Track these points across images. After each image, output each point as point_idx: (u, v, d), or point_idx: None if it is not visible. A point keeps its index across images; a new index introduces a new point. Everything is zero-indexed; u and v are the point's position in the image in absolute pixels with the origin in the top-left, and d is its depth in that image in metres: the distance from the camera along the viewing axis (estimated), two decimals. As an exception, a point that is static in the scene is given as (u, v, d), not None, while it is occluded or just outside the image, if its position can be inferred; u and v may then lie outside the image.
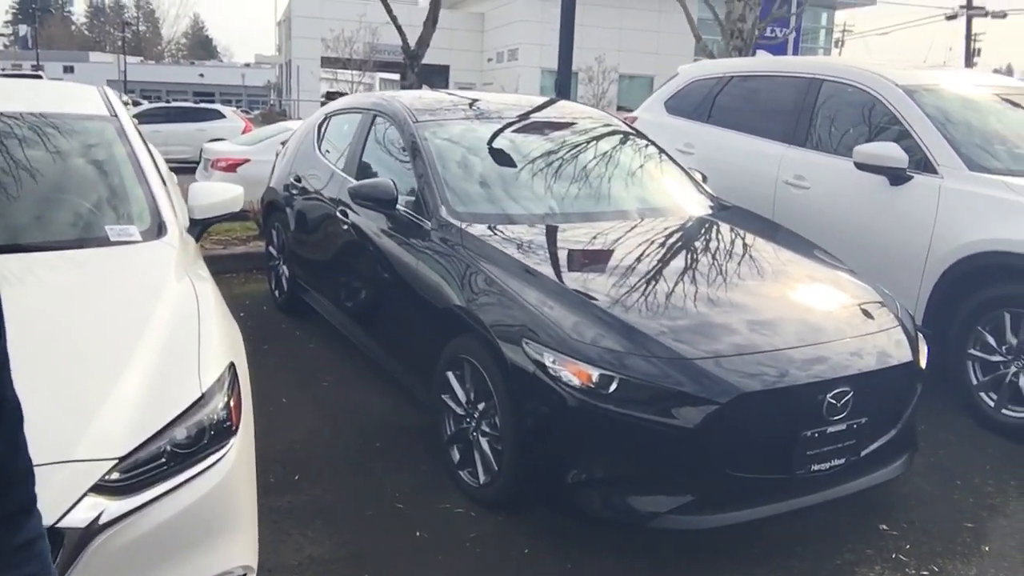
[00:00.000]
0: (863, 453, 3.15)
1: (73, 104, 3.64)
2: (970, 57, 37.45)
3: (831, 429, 2.99)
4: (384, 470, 3.68)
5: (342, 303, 4.76)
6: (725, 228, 4.06)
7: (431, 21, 12.78)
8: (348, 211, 4.53)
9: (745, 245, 3.86)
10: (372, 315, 4.40)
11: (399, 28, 12.81)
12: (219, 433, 2.24)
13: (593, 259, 3.53)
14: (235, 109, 25.56)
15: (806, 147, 5.43)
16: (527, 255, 3.50)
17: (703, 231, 4.01)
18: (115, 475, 1.99)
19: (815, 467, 3.01)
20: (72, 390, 2.09)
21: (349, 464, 3.73)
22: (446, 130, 4.40)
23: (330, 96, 42.73)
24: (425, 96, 5.24)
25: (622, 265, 3.46)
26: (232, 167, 10.99)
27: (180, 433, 2.15)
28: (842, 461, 3.07)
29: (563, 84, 8.09)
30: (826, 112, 5.40)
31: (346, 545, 3.09)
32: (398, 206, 4.03)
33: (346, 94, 36.22)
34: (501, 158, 4.31)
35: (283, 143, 11.98)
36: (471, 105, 5.00)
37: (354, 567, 2.96)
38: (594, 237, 3.73)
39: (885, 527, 3.35)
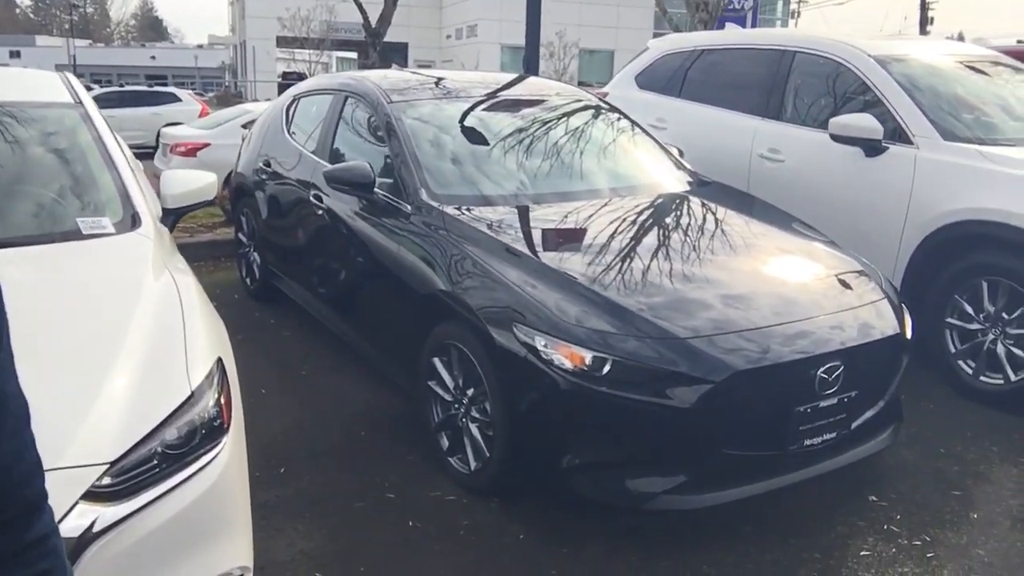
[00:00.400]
0: (853, 426, 3.16)
1: (34, 91, 3.50)
2: (924, 25, 37.87)
3: (823, 404, 2.99)
4: (370, 460, 3.62)
5: (318, 290, 4.66)
6: (709, 204, 4.03)
7: (392, -2, 12.59)
8: (322, 195, 4.43)
9: (729, 221, 3.83)
10: (351, 302, 4.32)
11: (359, 5, 12.58)
12: (210, 432, 2.17)
13: (579, 239, 3.48)
14: (191, 92, 25.03)
15: (780, 120, 5.42)
16: (511, 236, 3.44)
17: (687, 208, 3.97)
18: (106, 480, 1.92)
19: (807, 442, 3.01)
20: (57, 394, 2.00)
21: (334, 455, 3.66)
22: (421, 110, 4.32)
23: (287, 76, 42.06)
24: (395, 75, 5.13)
25: (608, 245, 3.42)
26: (192, 151, 10.77)
27: (171, 434, 2.08)
28: (833, 435, 3.08)
29: (531, 60, 8.00)
30: (799, 84, 5.40)
31: (338, 538, 3.04)
32: (375, 189, 3.94)
33: (304, 74, 35.70)
34: (479, 138, 4.23)
35: (243, 126, 11.83)
36: (443, 84, 4.90)
37: (348, 561, 2.91)
38: (579, 217, 3.68)
39: (874, 499, 3.37)
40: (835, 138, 4.79)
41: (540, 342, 2.92)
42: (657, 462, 2.92)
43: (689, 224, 3.74)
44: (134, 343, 2.24)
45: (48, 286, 2.53)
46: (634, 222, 3.71)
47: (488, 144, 4.20)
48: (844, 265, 3.57)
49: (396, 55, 37.78)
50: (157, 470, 2.02)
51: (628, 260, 3.30)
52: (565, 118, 4.61)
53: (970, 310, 4.31)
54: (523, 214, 3.70)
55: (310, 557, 2.93)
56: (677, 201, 4.07)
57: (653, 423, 2.83)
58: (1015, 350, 4.15)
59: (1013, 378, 4.15)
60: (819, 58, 5.30)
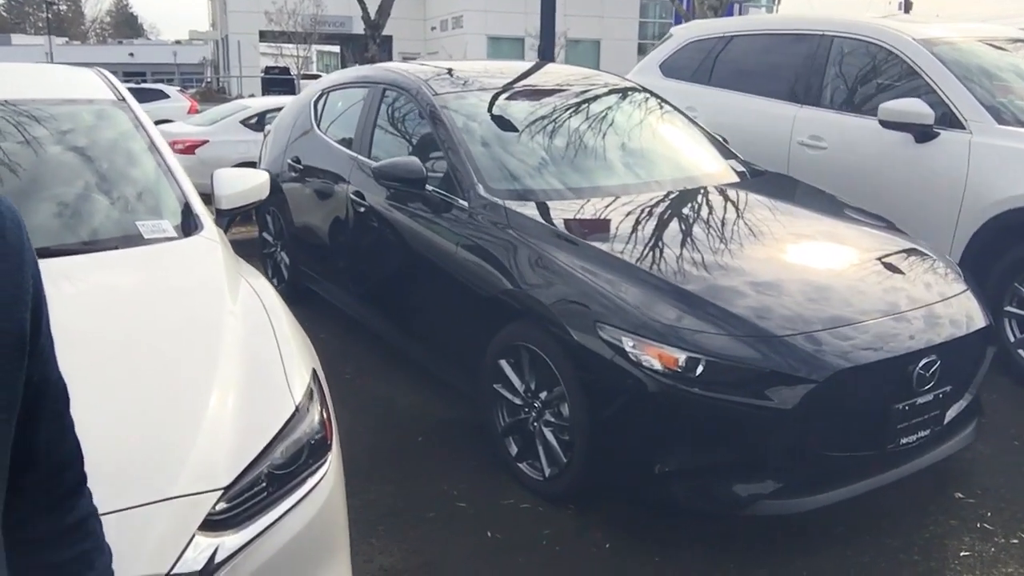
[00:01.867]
0: (946, 422, 3.06)
1: (76, 89, 3.32)
2: (908, 9, 37.96)
3: (920, 400, 2.89)
4: (434, 467, 3.49)
5: (360, 291, 4.51)
6: (774, 194, 3.91)
7: (390, -11, 12.38)
8: (364, 193, 4.27)
9: (797, 212, 3.72)
10: (399, 303, 4.16)
11: (359, -2, 12.36)
12: (315, 449, 2.03)
13: (652, 233, 3.34)
14: (180, 88, 24.70)
15: (820, 106, 5.30)
16: (582, 232, 3.31)
17: (755, 199, 3.83)
18: (221, 506, 1.77)
19: (903, 440, 2.91)
20: (161, 415, 1.86)
21: (395, 463, 3.52)
22: (467, 102, 4.16)
23: (269, 71, 41.57)
24: (411, 67, 4.94)
25: (684, 238, 3.29)
26: (190, 149, 10.57)
27: (279, 454, 1.94)
28: (927, 432, 2.98)
29: (547, 49, 7.89)
30: (840, 69, 5.28)
31: (417, 552, 2.90)
32: (427, 185, 3.79)
33: (288, 69, 35.08)
34: (531, 129, 4.08)
35: (241, 122, 11.61)
36: (478, 74, 4.74)
37: (433, 576, 2.78)
38: (647, 209, 3.55)
39: (960, 495, 3.27)
40: (885, 124, 4.68)
41: (628, 343, 2.78)
42: (756, 466, 2.80)
43: (760, 216, 3.60)
44: (230, 357, 2.09)
45: (125, 298, 2.37)
46: (704, 215, 3.58)
47: (542, 136, 4.05)
48: (924, 256, 3.46)
49: (380, 48, 37.46)
50: (265, 493, 1.88)
51: (707, 255, 3.17)
52: (611, 105, 4.48)
53: (1031, 298, 4.22)
54: (588, 207, 3.56)
55: (391, 574, 2.80)
56: (742, 192, 3.93)
57: (752, 425, 2.71)
58: (1081, 338, 4.06)
59: (1080, 367, 4.06)
60: (860, 42, 5.18)
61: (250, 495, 1.84)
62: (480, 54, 35.98)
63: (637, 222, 3.44)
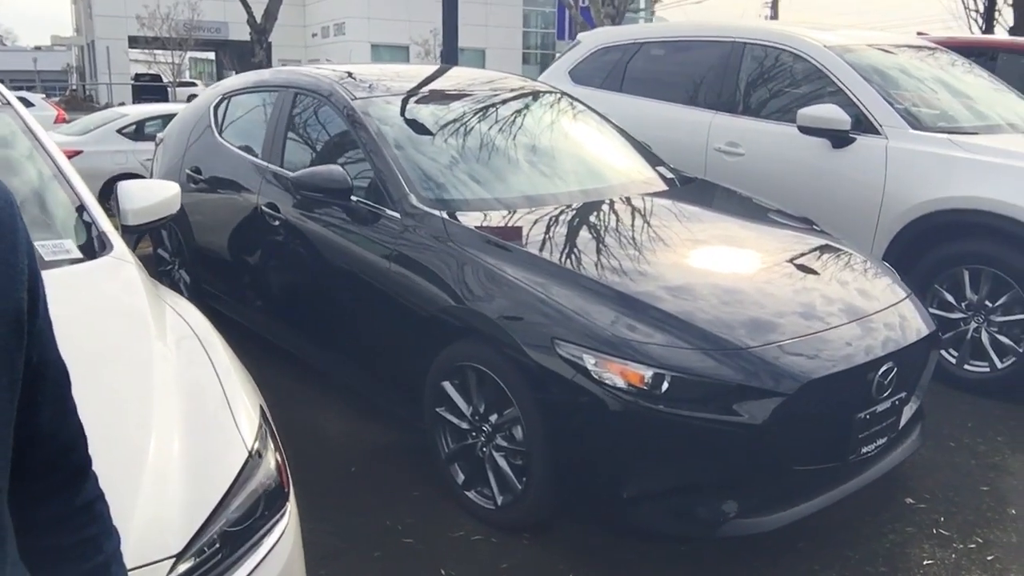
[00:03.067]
0: (900, 428, 3.04)
1: (-52, 92, 2.91)
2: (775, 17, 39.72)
3: (879, 408, 2.84)
4: (373, 500, 3.23)
5: (278, 311, 4.18)
6: (714, 203, 3.86)
7: (277, -7, 11.90)
8: (278, 204, 3.96)
9: (742, 222, 3.66)
10: (324, 323, 3.87)
11: (244, 2, 11.83)
12: (271, 499, 1.77)
13: (606, 242, 3.19)
14: (44, 96, 23.19)
15: (734, 113, 5.31)
16: (529, 243, 3.12)
17: (694, 207, 3.74)
18: (181, 569, 1.51)
19: (864, 449, 2.86)
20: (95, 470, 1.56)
21: (331, 498, 3.24)
22: (389, 108, 3.91)
23: (139, 78, 39.69)
24: (339, 69, 4.67)
25: (638, 248, 3.15)
26: (63, 160, 9.79)
27: (234, 508, 1.67)
28: (884, 440, 2.94)
29: (450, 54, 7.70)
30: (754, 76, 5.30)
31: (367, 598, 2.65)
32: (351, 196, 3.53)
33: (160, 76, 33.53)
34: (461, 135, 3.88)
35: (118, 131, 10.94)
36: (390, 77, 4.48)
37: (389, 625, 2.53)
38: (596, 218, 3.40)
39: (911, 501, 3.26)
40: (803, 130, 4.70)
41: (589, 360, 2.62)
42: (726, 484, 2.68)
43: (703, 225, 3.52)
44: (166, 395, 1.81)
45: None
46: (649, 223, 3.46)
47: (474, 141, 3.85)
48: (867, 264, 3.44)
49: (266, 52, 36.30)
50: (220, 555, 1.61)
51: (662, 265, 3.05)
52: (538, 112, 4.32)
53: (951, 299, 4.31)
54: (535, 219, 3.37)
55: (341, 624, 2.53)
56: (683, 200, 3.83)
57: (721, 442, 2.59)
58: (1000, 337, 4.16)
59: (1000, 365, 4.17)
60: (772, 49, 5.22)
61: (204, 559, 1.58)
62: (364, 62, 35.44)
63: (582, 231, 3.29)
